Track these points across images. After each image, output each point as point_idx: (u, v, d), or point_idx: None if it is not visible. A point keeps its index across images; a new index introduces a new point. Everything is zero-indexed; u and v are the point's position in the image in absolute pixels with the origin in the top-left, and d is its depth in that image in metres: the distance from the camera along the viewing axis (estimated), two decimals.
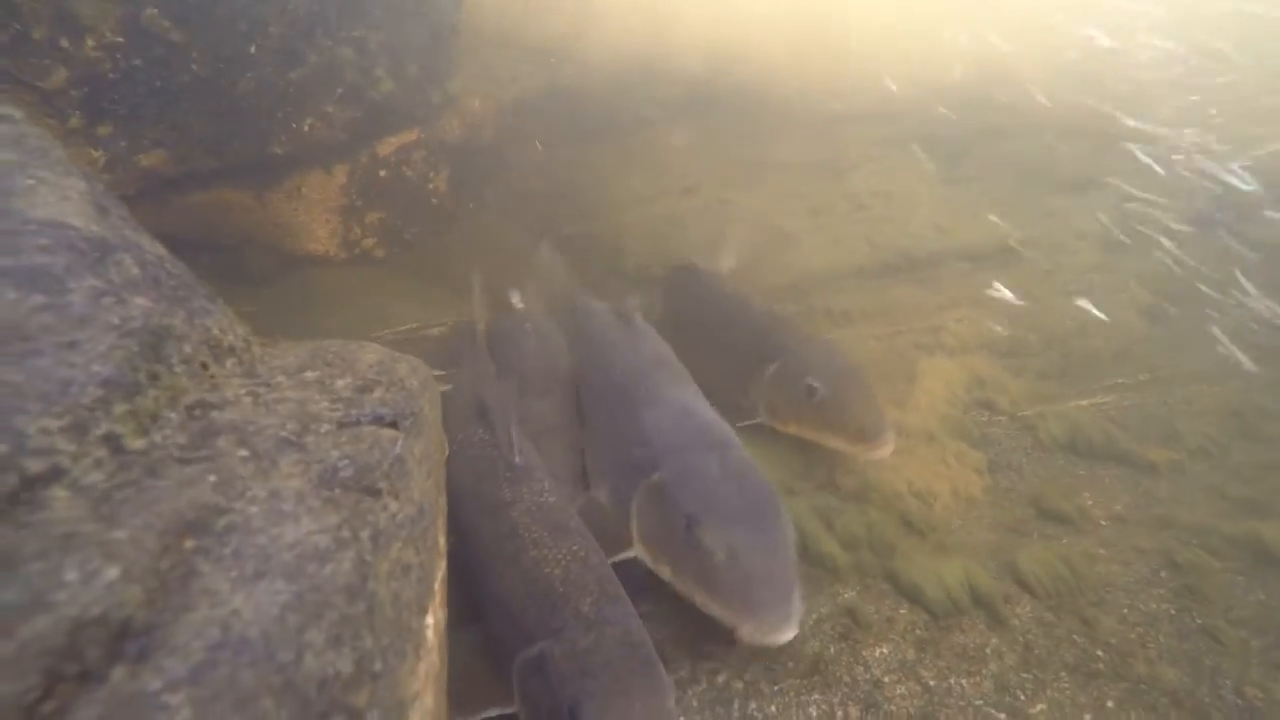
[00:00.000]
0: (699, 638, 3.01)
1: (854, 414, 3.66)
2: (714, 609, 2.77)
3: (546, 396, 3.93)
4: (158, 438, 1.30)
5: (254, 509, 1.23)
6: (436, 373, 4.31)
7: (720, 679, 2.84)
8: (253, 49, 5.21)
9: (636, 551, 3.08)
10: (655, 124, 7.22)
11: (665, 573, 2.95)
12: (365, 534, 1.30)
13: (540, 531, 2.76)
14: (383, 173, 6.50)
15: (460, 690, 2.33)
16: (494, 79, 7.28)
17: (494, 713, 2.44)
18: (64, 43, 4.45)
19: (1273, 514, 3.53)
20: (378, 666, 1.18)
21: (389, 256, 6.58)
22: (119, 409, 1.28)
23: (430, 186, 6.85)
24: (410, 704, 1.26)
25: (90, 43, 4.53)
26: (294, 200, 6.15)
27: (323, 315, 5.49)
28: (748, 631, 2.71)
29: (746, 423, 3.93)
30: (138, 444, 1.27)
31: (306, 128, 5.72)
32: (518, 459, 3.10)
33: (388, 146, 6.47)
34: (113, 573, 0.99)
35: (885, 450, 3.61)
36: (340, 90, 5.78)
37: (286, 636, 1.06)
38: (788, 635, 2.70)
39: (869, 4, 7.62)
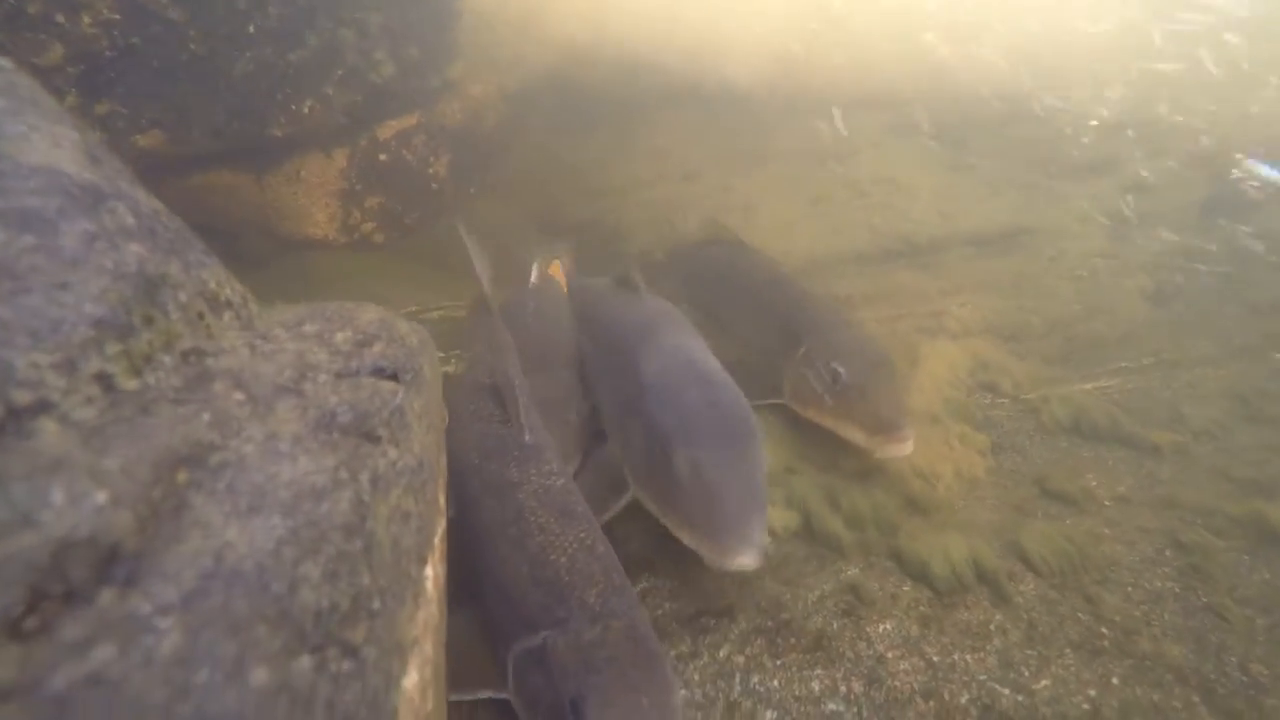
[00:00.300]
0: (701, 613, 2.99)
1: (875, 406, 3.51)
2: (683, 533, 2.84)
3: (541, 371, 3.88)
4: (151, 379, 1.27)
5: (249, 448, 1.20)
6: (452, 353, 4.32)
7: (722, 653, 2.82)
8: (252, 29, 5.17)
9: (633, 489, 3.14)
10: (656, 111, 7.17)
11: (648, 502, 3.04)
12: (364, 476, 1.27)
13: (547, 516, 2.66)
14: (383, 157, 6.46)
15: (452, 668, 2.31)
16: (495, 64, 7.23)
17: (485, 695, 2.40)
18: (60, 19, 4.41)
19: (1276, 494, 3.51)
20: (375, 605, 1.15)
21: (388, 241, 6.55)
22: (111, 349, 1.25)
23: (430, 171, 6.81)
24: (409, 649, 1.23)
25: (87, 19, 4.50)
26: (293, 184, 6.11)
27: (320, 299, 5.46)
28: (706, 554, 2.76)
29: (767, 402, 3.86)
30: (130, 384, 1.23)
31: (306, 110, 5.68)
32: (528, 438, 2.98)
33: (388, 130, 6.44)
34: (101, 497, 0.96)
35: (903, 449, 3.45)
36: (340, 72, 5.74)
37: (281, 569, 1.03)
38: (748, 561, 2.69)
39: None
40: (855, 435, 3.56)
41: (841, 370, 3.60)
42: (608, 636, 2.24)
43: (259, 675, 0.92)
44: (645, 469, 3.05)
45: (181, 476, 1.09)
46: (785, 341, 3.99)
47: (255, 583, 0.99)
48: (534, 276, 4.99)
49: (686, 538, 2.83)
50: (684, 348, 3.55)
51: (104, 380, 1.21)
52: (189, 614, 0.93)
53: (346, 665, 1.04)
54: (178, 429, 1.15)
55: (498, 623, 2.50)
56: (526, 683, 2.25)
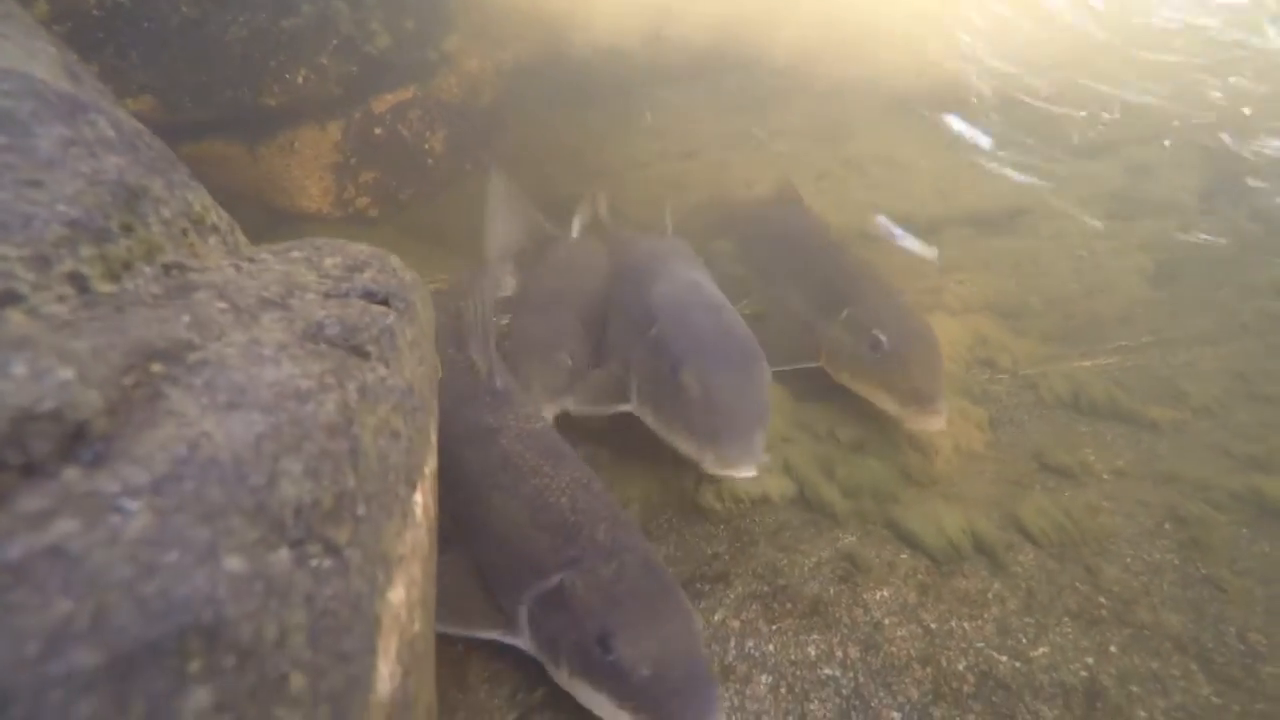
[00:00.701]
0: (696, 577, 2.95)
1: (912, 377, 3.45)
2: (683, 443, 2.95)
3: (540, 313, 3.84)
4: (129, 285, 1.21)
5: (231, 350, 1.14)
6: None
7: (717, 617, 2.77)
8: None
9: (633, 408, 3.23)
10: (656, 89, 7.11)
11: (649, 418, 3.15)
12: (351, 385, 1.21)
13: (537, 459, 2.61)
14: (378, 130, 6.38)
15: (457, 608, 2.33)
16: (492, 40, 7.15)
17: (489, 636, 2.38)
18: None
19: (1276, 469, 3.49)
20: (361, 510, 1.09)
21: (383, 216, 6.47)
22: (86, 251, 1.19)
23: (426, 147, 6.73)
24: (395, 564, 1.17)
25: None
26: (287, 155, 6.02)
27: None
28: (708, 461, 2.84)
29: (802, 365, 3.82)
30: (106, 288, 1.17)
31: (300, 79, 5.60)
32: (498, 383, 2.90)
33: (383, 104, 6.35)
34: (67, 373, 0.90)
35: (936, 422, 3.40)
36: (335, 42, 5.66)
37: (260, 462, 0.97)
38: (746, 469, 2.82)
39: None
40: (888, 404, 3.52)
41: (883, 338, 3.55)
42: (624, 571, 2.24)
43: (233, 562, 0.86)
44: (651, 385, 3.16)
45: (156, 368, 1.03)
46: (828, 304, 3.95)
47: (232, 473, 0.93)
48: (575, 228, 4.97)
49: (687, 447, 2.94)
50: (692, 277, 3.71)
51: (77, 280, 1.14)
52: (160, 498, 0.87)
53: (328, 563, 0.98)
54: (154, 326, 1.09)
55: (499, 571, 2.45)
56: (545, 625, 2.23)
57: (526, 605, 2.29)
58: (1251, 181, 5.81)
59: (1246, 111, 6.58)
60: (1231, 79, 7.10)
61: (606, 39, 6.80)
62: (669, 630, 2.13)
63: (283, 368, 1.13)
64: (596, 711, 2.12)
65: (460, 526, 2.63)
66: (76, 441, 0.88)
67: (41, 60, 1.54)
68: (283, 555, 0.92)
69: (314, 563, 0.96)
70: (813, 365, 3.83)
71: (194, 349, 1.10)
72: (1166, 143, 6.05)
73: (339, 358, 1.23)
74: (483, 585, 2.47)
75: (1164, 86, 7.04)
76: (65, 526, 0.80)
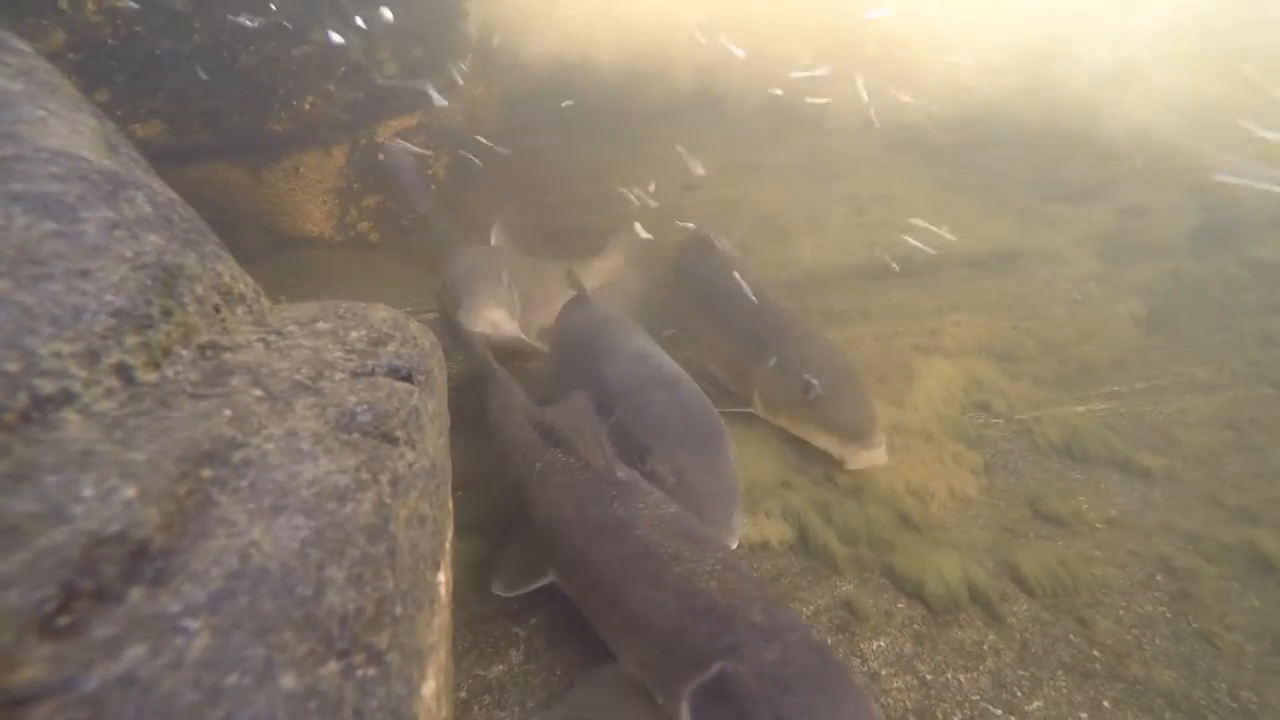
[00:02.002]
0: None
1: (847, 417, 3.61)
2: None
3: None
4: (170, 372, 1.25)
5: (270, 445, 1.18)
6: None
7: None
8: (257, 23, 5.14)
9: None
10: (657, 122, 7.19)
11: None
12: (385, 478, 1.25)
13: (677, 545, 2.50)
14: (382, 156, 6.44)
15: None
16: (496, 69, 7.23)
17: None
18: (63, 5, 4.37)
19: (1266, 522, 3.55)
20: (398, 610, 1.13)
21: (385, 241, 6.52)
22: (131, 340, 1.23)
23: (429, 172, 6.79)
24: (427, 655, 1.21)
25: (91, 6, 4.46)
26: (291, 179, 6.08)
27: (316, 296, 5.41)
28: None
29: (736, 410, 3.95)
30: (149, 376, 1.21)
31: (307, 106, 5.66)
32: (621, 475, 2.84)
33: (388, 130, 6.42)
34: (130, 492, 0.94)
35: (875, 458, 3.57)
36: (343, 69, 5.73)
37: (306, 571, 1.01)
38: (731, 545, 2.93)
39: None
40: (829, 444, 3.69)
41: (814, 381, 3.69)
42: (789, 652, 2.11)
43: (288, 680, 0.90)
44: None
45: (205, 473, 1.07)
46: (754, 351, 4.08)
47: (281, 584, 0.97)
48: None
49: None
50: (641, 349, 3.79)
51: (123, 372, 1.18)
52: (217, 615, 0.91)
53: (372, 671, 1.02)
54: (199, 424, 1.13)
55: (653, 668, 2.33)
56: (710, 718, 2.10)
57: (688, 700, 2.15)
58: (1244, 223, 5.92)
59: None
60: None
61: (610, 71, 6.89)
62: (845, 714, 2.01)
63: (320, 463, 1.17)
64: None
65: (604, 626, 2.56)
66: (139, 559, 0.92)
67: (84, 134, 1.59)
68: (331, 668, 0.96)
69: (359, 673, 1.00)
70: (744, 410, 3.99)
71: (237, 446, 1.14)
72: (1162, 186, 6.14)
73: (371, 448, 1.28)
74: (641, 693, 2.34)
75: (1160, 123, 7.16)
76: (135, 652, 0.83)
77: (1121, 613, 3.15)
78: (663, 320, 4.86)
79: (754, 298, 4.37)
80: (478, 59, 6.96)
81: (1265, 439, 4.09)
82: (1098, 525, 3.59)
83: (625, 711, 2.33)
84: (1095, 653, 2.97)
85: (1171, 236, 5.91)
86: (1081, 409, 4.31)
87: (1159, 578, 3.30)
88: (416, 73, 6.21)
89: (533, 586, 2.81)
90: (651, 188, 5.52)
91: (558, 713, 2.49)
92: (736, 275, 4.54)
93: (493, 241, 5.35)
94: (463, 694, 2.63)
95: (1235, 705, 2.79)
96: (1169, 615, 3.14)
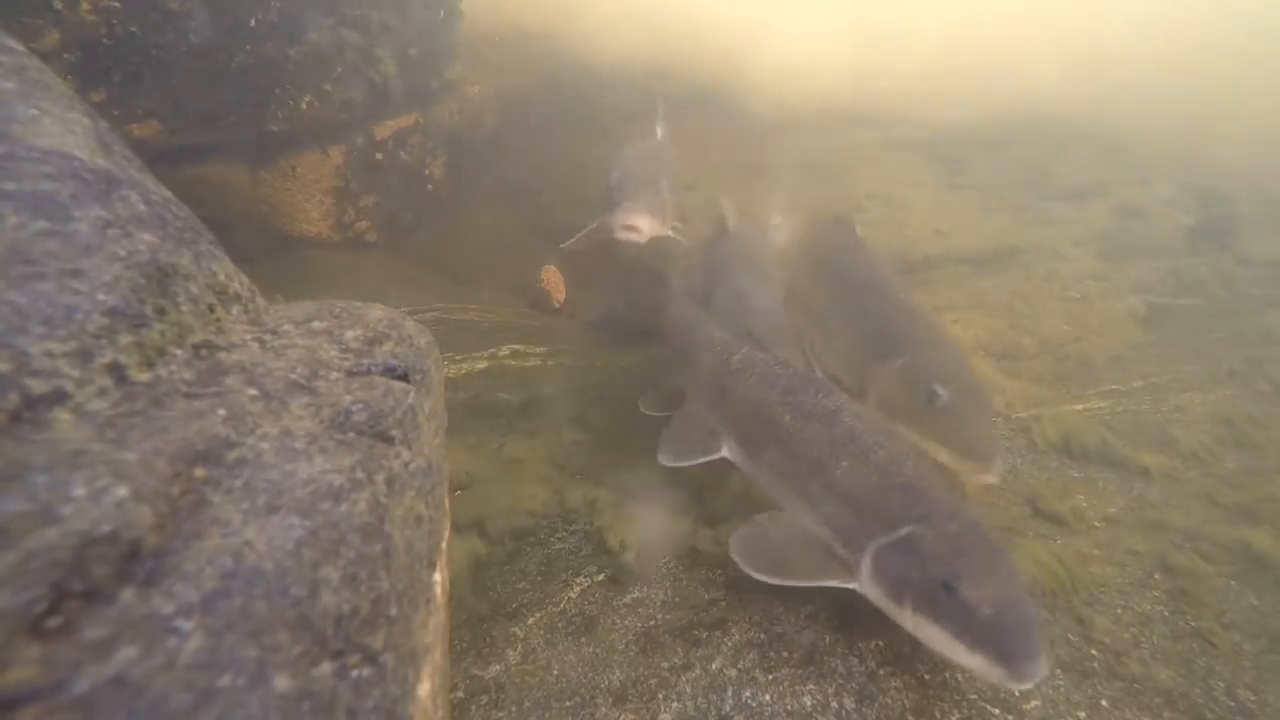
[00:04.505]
0: (692, 624, 2.97)
1: (969, 434, 3.44)
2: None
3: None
4: (163, 372, 1.24)
5: (265, 445, 1.17)
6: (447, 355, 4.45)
7: (714, 666, 2.79)
8: (253, 22, 5.14)
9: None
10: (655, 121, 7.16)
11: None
12: (380, 477, 1.24)
13: (878, 435, 3.05)
14: (379, 156, 6.43)
15: (791, 559, 2.86)
16: (494, 68, 7.23)
17: (828, 584, 2.79)
18: (58, 4, 4.36)
19: (1263, 520, 3.55)
20: (394, 611, 1.13)
21: (382, 241, 6.51)
22: (124, 339, 1.22)
23: (427, 172, 6.78)
24: (423, 656, 1.20)
25: (85, 6, 4.44)
26: (288, 179, 6.06)
27: (313, 296, 5.40)
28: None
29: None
30: (143, 376, 1.20)
31: (304, 106, 5.64)
32: (819, 374, 3.61)
33: (385, 130, 6.41)
34: (122, 491, 0.94)
35: (992, 477, 3.40)
36: (340, 70, 5.72)
37: (301, 571, 1.00)
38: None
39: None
40: (943, 456, 3.49)
41: (941, 391, 3.54)
42: (964, 528, 2.62)
43: (281, 682, 0.89)
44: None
45: (199, 472, 1.06)
46: (880, 348, 3.92)
47: (275, 584, 0.96)
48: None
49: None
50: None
51: (116, 371, 1.18)
52: (210, 615, 0.90)
53: (367, 672, 1.02)
54: (193, 424, 1.12)
55: (844, 525, 2.84)
56: (889, 570, 2.60)
57: (871, 554, 2.67)
58: (1238, 223, 5.93)
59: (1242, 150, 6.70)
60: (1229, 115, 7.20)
61: (610, 70, 6.88)
62: (1005, 581, 2.45)
63: (315, 462, 1.16)
64: (935, 646, 2.49)
65: (798, 487, 3.07)
66: (131, 560, 0.91)
67: (77, 133, 1.58)
68: (325, 670, 0.96)
69: (354, 674, 0.99)
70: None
71: (231, 446, 1.13)
72: (1160, 185, 6.13)
73: (366, 447, 1.27)
74: (817, 541, 2.89)
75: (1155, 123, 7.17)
76: (126, 654, 0.82)
77: (1120, 611, 3.15)
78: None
79: (893, 293, 4.24)
80: (475, 58, 6.96)
81: (1262, 437, 4.09)
82: (1096, 524, 3.59)
83: (817, 552, 2.87)
84: (1093, 651, 2.97)
85: (1169, 235, 5.92)
86: (1080, 407, 4.31)
87: (1157, 576, 3.30)
88: (413, 73, 6.21)
89: (703, 459, 3.40)
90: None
91: (746, 533, 3.01)
92: (877, 266, 4.45)
93: (657, 135, 5.96)
94: (460, 694, 2.63)
95: (1233, 704, 2.79)
96: (1167, 614, 3.14)
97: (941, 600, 2.44)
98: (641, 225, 4.54)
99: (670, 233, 4.78)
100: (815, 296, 4.54)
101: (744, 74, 6.77)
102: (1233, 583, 3.28)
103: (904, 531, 2.64)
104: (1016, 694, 2.78)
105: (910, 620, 2.56)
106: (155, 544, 0.94)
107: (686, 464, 3.40)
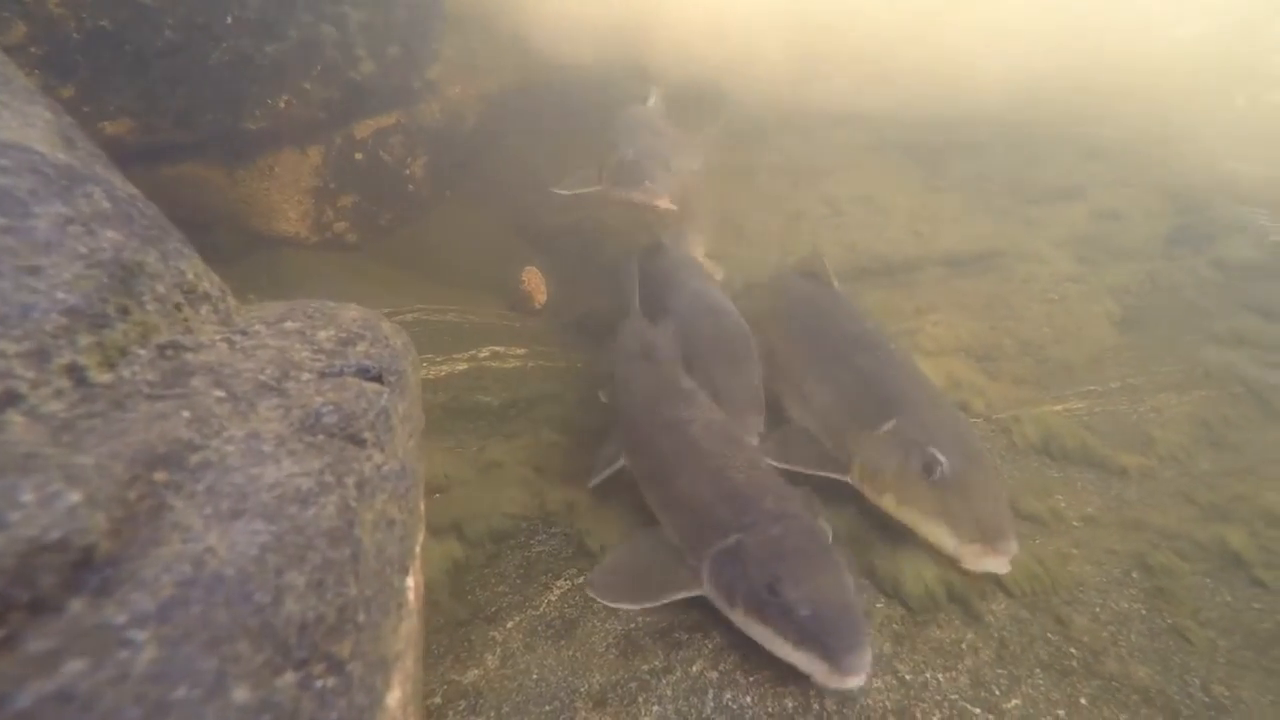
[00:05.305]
0: (673, 627, 2.95)
1: (976, 510, 2.97)
2: None
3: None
4: (126, 373, 1.20)
5: (231, 448, 1.14)
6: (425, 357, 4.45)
7: (695, 668, 2.78)
8: (229, 19, 5.06)
9: None
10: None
11: None
12: (350, 480, 1.21)
13: (719, 445, 3.18)
14: (359, 155, 6.36)
15: (648, 578, 2.96)
16: (475, 68, 7.18)
17: (679, 597, 2.87)
18: None
19: (1237, 519, 3.59)
20: (362, 618, 1.10)
21: (361, 241, 6.43)
22: (84, 340, 1.18)
23: (407, 172, 6.72)
24: (393, 663, 1.17)
25: None
26: (265, 179, 5.97)
27: (290, 297, 5.32)
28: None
29: (829, 474, 3.46)
30: (103, 377, 1.17)
31: (282, 104, 5.56)
32: (685, 384, 3.58)
33: (365, 129, 6.34)
34: (74, 497, 0.90)
35: (1000, 565, 2.94)
36: (319, 68, 5.64)
37: (265, 577, 0.97)
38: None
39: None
40: (942, 537, 3.04)
41: (941, 459, 3.09)
42: (788, 531, 2.75)
43: (240, 693, 0.86)
44: None
45: (160, 476, 1.03)
46: (865, 409, 3.49)
47: (237, 592, 0.93)
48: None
49: None
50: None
51: (75, 373, 1.14)
52: (166, 625, 0.87)
53: (332, 681, 0.99)
54: (155, 426, 1.09)
55: (688, 533, 3.00)
56: (725, 576, 2.73)
57: (709, 560, 2.80)
58: (1212, 227, 6.01)
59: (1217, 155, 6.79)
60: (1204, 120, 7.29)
61: (591, 70, 6.86)
62: (824, 580, 2.57)
63: (282, 466, 1.13)
64: (765, 645, 2.60)
65: (657, 498, 3.23)
66: (82, 568, 0.88)
67: (38, 127, 1.53)
68: (289, 680, 0.92)
69: (319, 683, 0.96)
70: (840, 478, 3.42)
71: (195, 449, 1.10)
72: (1138, 189, 6.20)
73: (337, 450, 1.24)
74: (673, 554, 3.03)
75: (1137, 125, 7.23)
76: (74, 667, 0.79)
77: (1098, 610, 3.17)
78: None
79: (880, 345, 3.80)
80: (457, 57, 6.91)
81: (1236, 437, 4.14)
82: (1075, 523, 3.62)
83: (669, 564, 2.99)
84: (1072, 650, 2.98)
85: (1146, 238, 5.98)
86: (1059, 408, 4.34)
87: (1134, 575, 3.33)
88: (394, 72, 6.15)
89: (609, 471, 3.49)
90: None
91: (608, 562, 3.15)
92: (860, 317, 4.03)
93: (650, 103, 6.23)
94: (437, 699, 2.59)
95: (1208, 699, 2.81)
96: (1144, 612, 3.17)
97: (766, 601, 2.56)
98: (662, 204, 4.80)
99: (674, 207, 4.95)
100: (791, 354, 4.10)
101: (726, 73, 6.76)
102: (1208, 580, 3.31)
103: (733, 539, 2.77)
104: (997, 693, 2.79)
105: (741, 621, 2.68)
106: (110, 551, 0.91)
107: (601, 479, 3.51)
